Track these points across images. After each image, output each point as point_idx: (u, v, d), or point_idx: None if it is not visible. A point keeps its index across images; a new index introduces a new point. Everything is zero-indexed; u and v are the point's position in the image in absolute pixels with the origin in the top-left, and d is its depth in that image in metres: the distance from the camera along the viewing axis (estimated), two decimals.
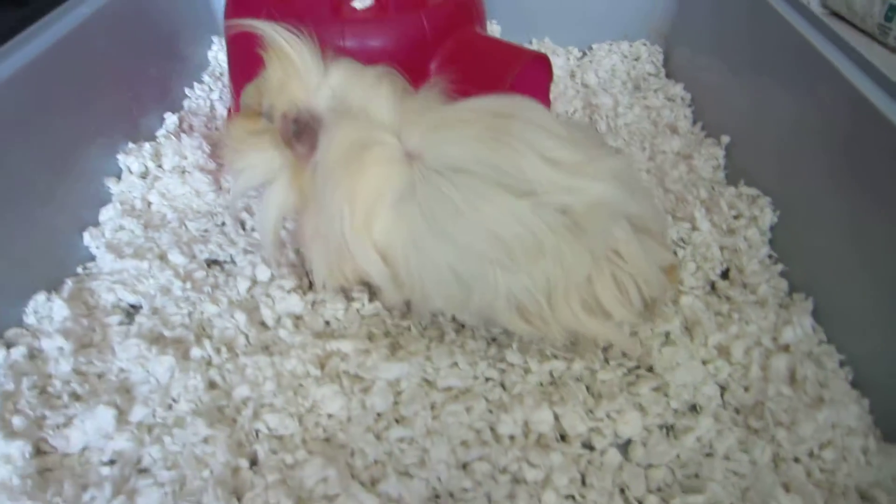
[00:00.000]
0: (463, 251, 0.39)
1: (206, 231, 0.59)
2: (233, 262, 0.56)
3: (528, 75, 0.64)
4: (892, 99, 0.46)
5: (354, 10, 0.56)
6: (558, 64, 0.83)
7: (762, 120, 0.61)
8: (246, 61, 0.55)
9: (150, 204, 0.61)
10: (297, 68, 0.43)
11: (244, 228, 0.59)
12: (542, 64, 0.62)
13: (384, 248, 0.41)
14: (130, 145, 0.63)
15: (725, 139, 0.65)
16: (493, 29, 0.86)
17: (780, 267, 0.54)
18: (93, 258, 0.56)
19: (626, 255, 0.41)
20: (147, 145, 0.63)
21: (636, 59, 0.84)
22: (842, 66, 0.51)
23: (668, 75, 0.82)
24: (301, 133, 0.43)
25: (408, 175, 0.40)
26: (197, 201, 0.61)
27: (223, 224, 0.60)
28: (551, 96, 0.75)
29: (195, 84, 0.76)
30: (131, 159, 0.61)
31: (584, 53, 0.86)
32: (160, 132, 0.67)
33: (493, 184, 0.38)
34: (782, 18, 0.59)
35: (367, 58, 0.55)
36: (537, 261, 0.39)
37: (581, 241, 0.39)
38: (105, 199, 0.60)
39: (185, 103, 0.75)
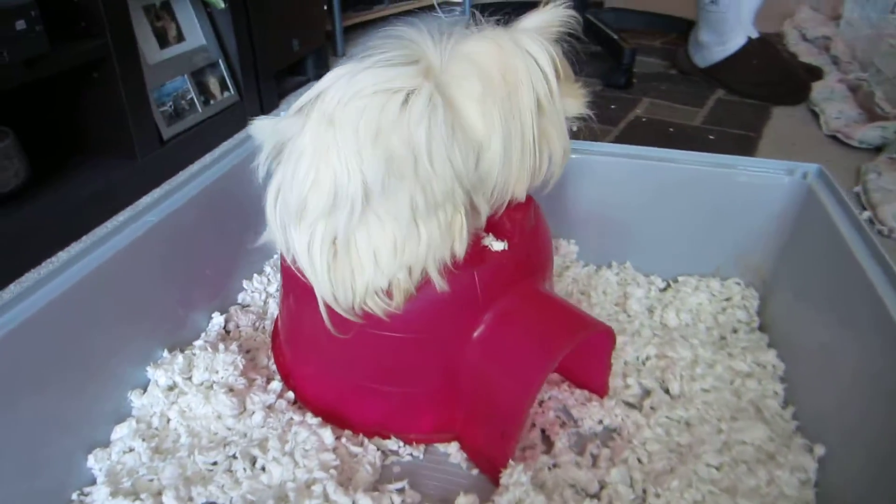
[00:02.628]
0: None
1: (213, 465, 0.56)
2: None
3: (589, 345, 0.60)
4: None
5: None
6: (637, 296, 0.78)
7: (872, 431, 0.52)
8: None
9: (168, 420, 0.60)
10: None
11: (254, 467, 0.56)
12: (604, 337, 0.58)
13: None
14: (165, 355, 0.63)
15: (820, 450, 0.56)
16: (570, 249, 0.83)
17: None
18: (94, 481, 0.54)
19: None
20: (180, 357, 0.63)
21: (727, 301, 0.77)
22: None
23: (762, 327, 0.74)
24: None
25: None
26: (216, 425, 0.59)
27: (234, 456, 0.57)
28: (625, 338, 0.70)
29: (255, 276, 0.78)
30: (160, 372, 0.61)
31: (668, 286, 0.81)
32: (199, 340, 0.67)
33: None
34: None
35: (405, 319, 0.54)
36: None
37: None
38: (124, 413, 0.59)
39: (240, 296, 0.76)
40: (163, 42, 1.14)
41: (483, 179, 0.53)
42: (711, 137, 1.35)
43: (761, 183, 0.76)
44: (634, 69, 1.67)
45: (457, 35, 0.53)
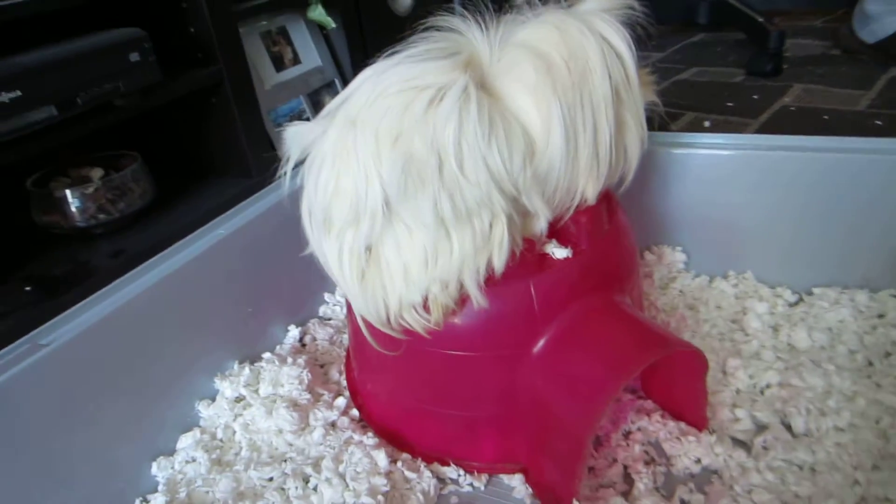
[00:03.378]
0: None
1: (268, 481, 0.55)
2: None
3: (683, 370, 0.51)
4: None
5: None
6: (758, 311, 0.66)
7: None
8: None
9: (234, 433, 0.60)
10: None
11: (306, 486, 0.54)
12: (693, 360, 0.49)
13: None
14: (236, 366, 0.64)
15: None
16: (676, 258, 0.73)
17: None
18: (156, 489, 0.55)
19: None
20: (247, 369, 0.63)
21: (879, 318, 0.63)
22: None
23: None
24: None
25: None
26: (276, 440, 0.58)
27: (289, 473, 0.55)
28: (738, 361, 0.60)
29: (337, 288, 0.77)
30: (226, 384, 0.61)
31: (801, 299, 0.68)
32: (269, 353, 0.67)
33: None
34: None
35: (454, 335, 0.49)
36: None
37: None
38: (192, 422, 0.60)
39: (322, 309, 0.75)
40: (279, 65, 1.20)
41: (542, 179, 0.47)
42: (878, 123, 1.14)
43: None
44: (786, 53, 1.47)
45: (510, 22, 0.48)
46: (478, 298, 0.46)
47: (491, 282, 0.47)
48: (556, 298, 0.49)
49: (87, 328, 0.52)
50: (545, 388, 0.48)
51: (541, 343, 0.49)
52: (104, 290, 0.55)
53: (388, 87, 0.43)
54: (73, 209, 0.91)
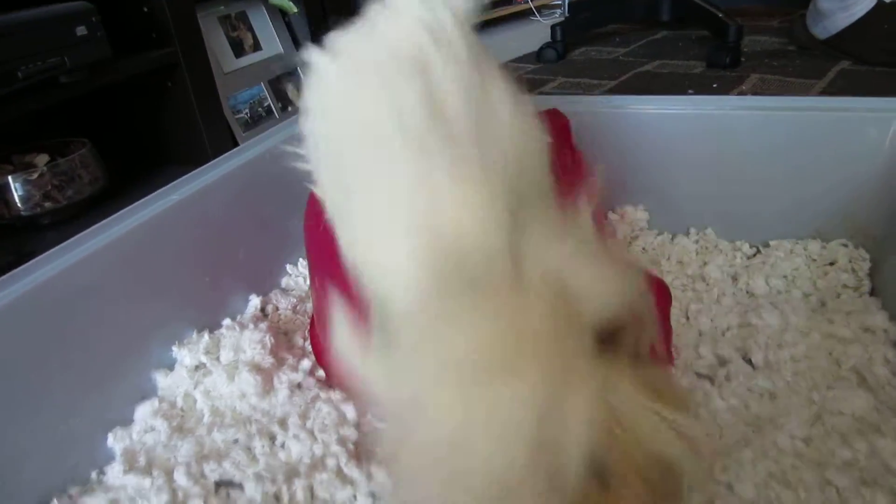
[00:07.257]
0: None
1: (234, 442, 0.56)
2: (241, 487, 0.52)
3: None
4: None
5: None
6: (718, 262, 0.70)
7: None
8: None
9: (195, 401, 0.60)
10: None
11: (273, 444, 0.55)
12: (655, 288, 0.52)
13: None
14: (195, 335, 0.64)
15: None
16: (639, 216, 0.77)
17: None
18: (113, 460, 0.56)
19: None
20: (206, 336, 0.64)
21: (830, 265, 0.68)
22: None
23: (873, 292, 0.64)
24: None
25: None
26: (240, 404, 0.59)
27: (254, 433, 0.56)
28: (699, 306, 0.64)
29: (300, 260, 0.79)
30: (185, 352, 0.62)
31: (758, 251, 0.72)
32: (228, 320, 0.68)
33: None
34: None
35: None
36: None
37: None
38: (149, 393, 0.61)
39: (284, 280, 0.77)
40: (238, 51, 1.22)
41: None
42: None
43: (868, 127, 0.67)
44: (745, 49, 1.57)
45: None
46: None
47: None
48: None
49: (24, 293, 0.51)
50: None
51: None
52: (44, 255, 0.55)
53: None
54: (16, 197, 0.90)
